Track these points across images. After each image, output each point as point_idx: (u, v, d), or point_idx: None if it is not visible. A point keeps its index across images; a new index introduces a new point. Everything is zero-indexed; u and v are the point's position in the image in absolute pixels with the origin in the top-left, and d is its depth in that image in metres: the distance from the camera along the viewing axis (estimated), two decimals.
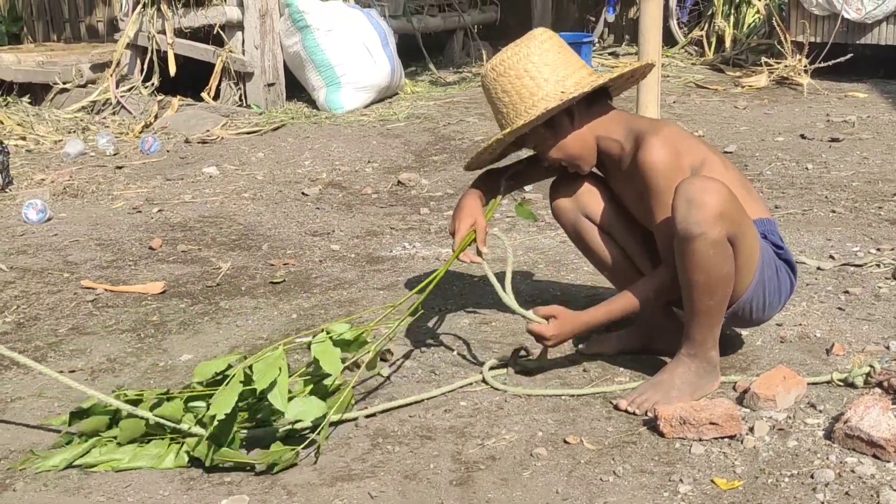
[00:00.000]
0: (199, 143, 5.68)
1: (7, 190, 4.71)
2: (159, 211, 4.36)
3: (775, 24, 7.18)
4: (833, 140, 5.09)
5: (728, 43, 8.05)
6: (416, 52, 7.91)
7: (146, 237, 3.96)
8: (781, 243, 2.49)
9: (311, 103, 6.62)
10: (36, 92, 6.93)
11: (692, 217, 2.20)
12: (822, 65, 6.75)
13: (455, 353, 2.73)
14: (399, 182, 4.71)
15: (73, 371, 2.69)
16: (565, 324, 2.45)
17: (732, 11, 8.18)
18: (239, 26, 6.57)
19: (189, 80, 6.79)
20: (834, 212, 3.86)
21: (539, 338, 2.46)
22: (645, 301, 2.45)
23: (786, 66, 6.92)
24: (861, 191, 4.14)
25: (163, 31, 6.75)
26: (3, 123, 6.06)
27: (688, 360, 2.37)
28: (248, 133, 5.84)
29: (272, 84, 6.59)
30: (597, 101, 2.50)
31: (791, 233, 3.60)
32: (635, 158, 2.40)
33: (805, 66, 6.83)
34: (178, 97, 6.61)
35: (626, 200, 2.56)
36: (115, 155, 5.50)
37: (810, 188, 4.22)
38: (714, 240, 2.21)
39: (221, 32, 6.64)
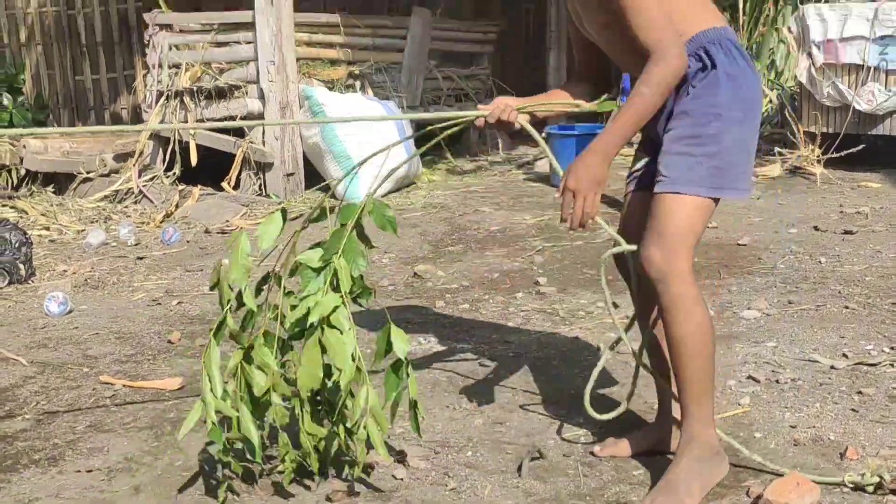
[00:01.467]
0: (218, 233, 5.77)
1: (30, 281, 4.79)
2: (178, 303, 4.41)
3: (787, 114, 7.27)
4: (846, 232, 5.12)
5: None
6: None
7: (165, 330, 4.01)
8: (736, 51, 2.42)
9: (330, 193, 6.70)
10: (60, 181, 7.07)
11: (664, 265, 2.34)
12: (835, 155, 6.82)
13: (469, 454, 2.75)
14: (415, 274, 4.76)
15: (91, 471, 2.71)
16: (577, 165, 2.37)
17: None
18: (260, 117, 6.71)
19: (210, 169, 6.93)
20: (847, 307, 3.87)
21: (567, 204, 2.37)
22: (646, 102, 2.31)
23: (799, 156, 6.99)
24: (874, 286, 4.16)
25: (185, 122, 6.90)
26: (27, 213, 6.18)
27: (687, 448, 2.37)
28: None
29: (291, 174, 6.71)
30: None
31: (805, 329, 3.61)
32: None
33: (818, 157, 6.90)
34: (199, 186, 6.74)
35: (593, 30, 2.54)
36: (136, 245, 5.59)
37: (824, 283, 4.24)
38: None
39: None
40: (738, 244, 5.02)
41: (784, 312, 3.85)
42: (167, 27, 7.09)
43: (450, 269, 4.84)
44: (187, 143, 6.88)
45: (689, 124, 2.39)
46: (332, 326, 2.44)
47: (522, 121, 2.59)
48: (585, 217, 2.38)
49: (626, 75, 8.85)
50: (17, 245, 4.83)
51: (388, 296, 4.45)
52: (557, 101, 2.68)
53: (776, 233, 5.26)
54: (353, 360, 2.42)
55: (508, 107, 2.57)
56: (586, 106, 2.65)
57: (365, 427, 2.41)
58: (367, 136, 6.55)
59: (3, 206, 6.44)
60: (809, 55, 6.95)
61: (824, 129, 7.02)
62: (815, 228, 5.28)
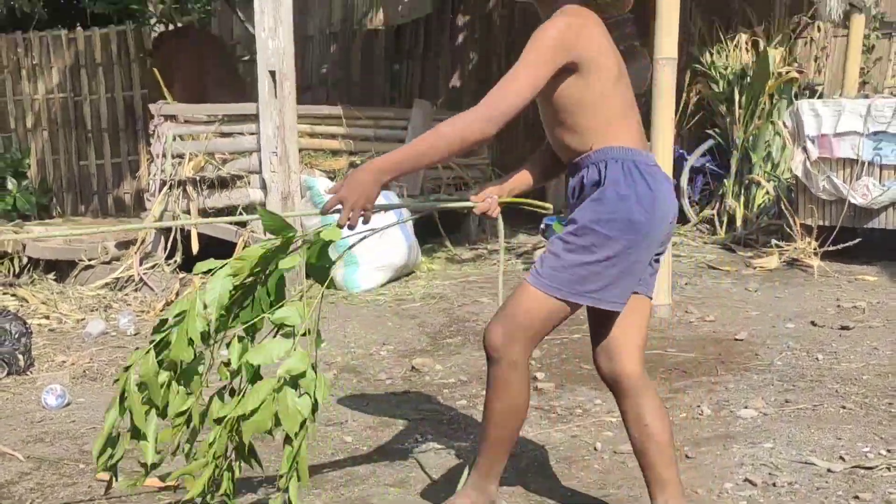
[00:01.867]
0: None
1: (29, 372, 4.80)
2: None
3: (783, 207, 7.34)
4: (843, 328, 5.14)
5: (739, 223, 8.22)
6: (432, 228, 8.10)
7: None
8: (638, 173, 2.53)
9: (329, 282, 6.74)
10: (62, 268, 7.12)
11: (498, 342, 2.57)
12: (832, 248, 6.87)
13: None
14: (413, 367, 4.77)
15: None
16: (352, 178, 2.47)
17: (742, 192, 8.40)
18: (262, 207, 6.78)
19: (211, 257, 6.96)
20: (844, 408, 3.88)
21: (338, 207, 2.48)
22: (439, 139, 2.43)
23: (796, 249, 7.04)
24: (872, 385, 4.17)
25: (187, 211, 6.97)
26: (28, 301, 6.21)
27: (470, 491, 2.75)
28: None
29: None
30: None
31: (802, 430, 3.61)
32: None
33: (815, 249, 6.96)
34: (200, 275, 6.76)
35: None
36: (135, 335, 5.60)
37: (821, 381, 4.25)
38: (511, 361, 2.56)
39: (244, 213, 6.85)
40: (736, 339, 5.04)
41: (781, 412, 3.85)
42: (172, 118, 7.21)
43: (448, 363, 4.85)
44: (189, 231, 6.95)
45: (572, 230, 2.54)
46: (293, 387, 2.49)
47: (499, 219, 2.84)
48: (352, 222, 2.49)
49: None
50: (16, 336, 4.85)
51: (386, 390, 4.45)
52: (522, 185, 2.87)
53: (773, 327, 5.28)
54: (305, 427, 2.48)
55: (493, 201, 2.75)
56: (549, 207, 2.88)
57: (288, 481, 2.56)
58: (367, 225, 6.59)
59: (4, 293, 6.47)
60: (804, 149, 7.05)
61: (821, 222, 7.08)
62: (813, 323, 5.30)
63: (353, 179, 2.47)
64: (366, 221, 2.52)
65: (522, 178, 2.87)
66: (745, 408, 3.91)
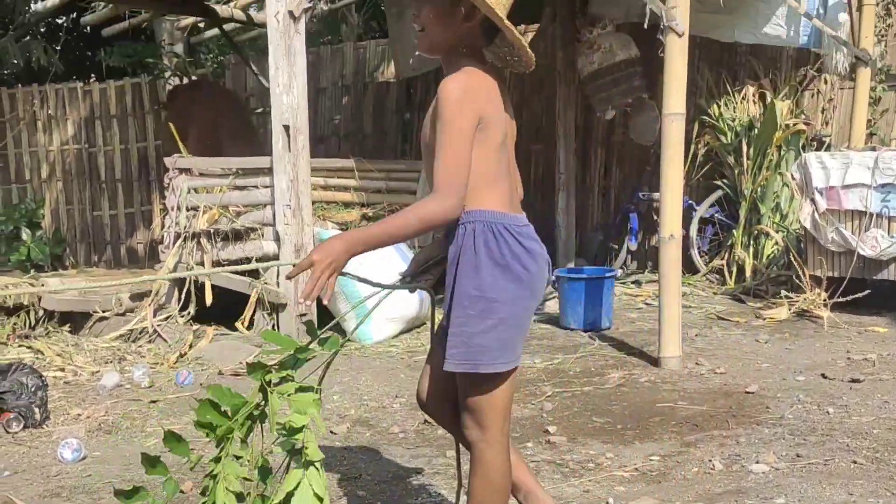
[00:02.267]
0: (231, 374, 5.83)
1: (44, 425, 4.84)
2: (192, 450, 4.43)
3: (792, 258, 7.38)
4: (854, 381, 5.16)
5: (748, 273, 8.26)
6: (443, 278, 8.14)
7: (178, 479, 4.02)
8: (509, 235, 2.61)
9: (341, 333, 6.79)
10: (76, 319, 7.18)
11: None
12: (841, 299, 6.90)
13: None
14: (426, 421, 4.79)
15: None
16: (325, 245, 2.50)
17: (752, 242, 8.44)
18: (274, 259, 6.85)
19: (224, 308, 7.03)
20: (855, 462, 3.89)
21: (304, 263, 2.48)
22: (407, 223, 2.51)
23: (805, 300, 7.07)
24: (883, 439, 4.18)
25: (201, 263, 7.04)
26: (43, 354, 6.27)
27: None
28: None
29: (304, 315, 6.80)
30: (488, 39, 2.72)
31: (813, 485, 3.63)
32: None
33: (824, 300, 6.98)
34: (213, 326, 6.84)
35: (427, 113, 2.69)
36: (149, 387, 5.65)
37: (832, 435, 4.27)
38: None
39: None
40: (747, 392, 5.06)
41: (793, 467, 3.87)
42: (187, 171, 7.31)
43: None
44: (202, 283, 7.01)
45: (464, 302, 2.59)
46: None
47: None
48: (316, 291, 2.47)
49: (634, 216, 9.03)
50: (33, 389, 4.90)
51: (399, 444, 4.48)
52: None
53: (784, 380, 5.30)
54: None
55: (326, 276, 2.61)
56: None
57: None
58: (377, 277, 6.65)
59: (20, 346, 6.53)
60: (812, 201, 7.11)
61: (830, 273, 7.12)
62: (823, 376, 5.32)
63: (327, 246, 2.50)
64: (326, 289, 2.52)
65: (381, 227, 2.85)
66: (757, 462, 3.92)
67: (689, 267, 8.41)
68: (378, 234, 2.53)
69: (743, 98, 8.90)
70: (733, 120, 8.79)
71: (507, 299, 2.57)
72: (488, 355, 2.58)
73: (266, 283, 6.85)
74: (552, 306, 7.61)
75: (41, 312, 7.11)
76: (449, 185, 2.50)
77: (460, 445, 2.98)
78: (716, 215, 8.91)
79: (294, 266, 2.58)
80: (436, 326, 2.85)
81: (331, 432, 4.66)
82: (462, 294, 2.59)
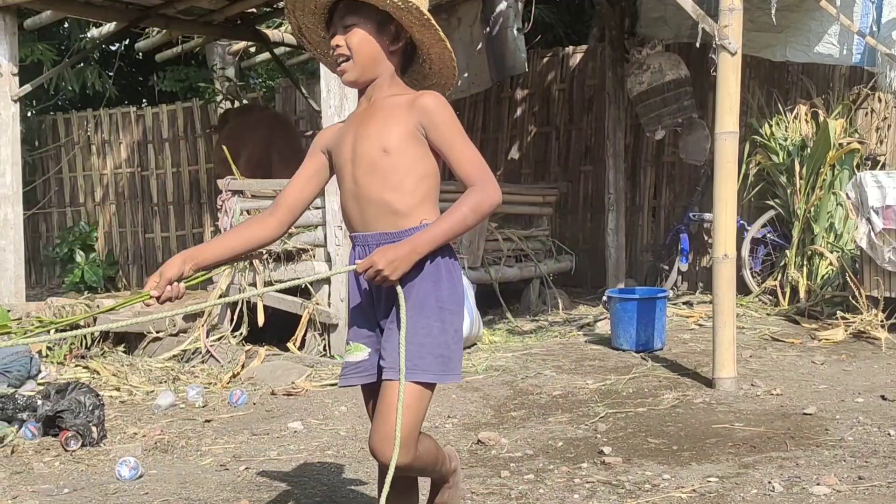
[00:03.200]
0: (284, 395, 5.86)
1: (101, 444, 4.89)
2: (246, 469, 4.47)
3: (848, 278, 7.28)
4: None
5: (802, 294, 8.15)
6: (493, 299, 8.15)
7: (233, 497, 4.06)
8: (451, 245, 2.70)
9: None
10: (130, 340, 7.27)
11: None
12: None
13: None
14: (479, 441, 4.78)
15: None
16: (387, 247, 2.55)
17: (805, 262, 8.34)
18: (325, 280, 6.89)
19: (276, 329, 7.08)
20: None
21: (371, 273, 2.54)
22: (465, 218, 2.57)
23: (862, 320, 6.96)
24: None
25: (253, 284, 7.10)
26: (99, 374, 6.34)
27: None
28: (332, 385, 6.01)
29: None
30: (414, 60, 2.79)
31: None
32: (412, 98, 2.65)
33: (881, 321, 6.87)
34: (265, 346, 6.88)
35: (370, 128, 2.68)
36: (203, 407, 5.69)
37: (893, 457, 4.19)
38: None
39: (309, 286, 6.97)
40: (804, 413, 4.98)
41: (855, 489, 3.80)
42: (239, 193, 7.39)
43: (513, 436, 4.85)
44: (255, 304, 7.07)
45: (425, 314, 2.63)
46: None
47: (192, 283, 2.74)
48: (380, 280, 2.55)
49: (685, 237, 8.96)
50: (90, 408, 4.96)
51: None
52: (223, 253, 2.77)
53: (842, 401, 5.22)
54: None
55: (173, 287, 2.64)
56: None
57: None
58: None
59: (77, 366, 6.62)
60: (868, 220, 7.01)
61: (887, 294, 7.01)
62: (883, 398, 5.23)
63: (393, 253, 2.54)
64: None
65: (214, 250, 2.78)
66: (818, 484, 3.86)
67: (741, 288, 8.31)
68: (439, 234, 2.58)
69: (795, 117, 8.81)
70: (785, 139, 8.70)
71: (459, 310, 2.66)
72: (451, 365, 2.64)
73: (318, 304, 6.88)
74: (603, 327, 7.56)
75: (97, 333, 7.20)
76: (488, 175, 2.62)
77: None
78: (768, 235, 8.82)
79: (357, 265, 2.61)
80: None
81: None
82: (426, 304, 2.62)
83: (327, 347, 6.88)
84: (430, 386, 2.64)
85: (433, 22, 2.63)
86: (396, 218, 2.64)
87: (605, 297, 7.83)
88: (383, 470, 2.65)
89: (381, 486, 2.67)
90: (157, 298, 2.61)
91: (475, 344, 7.20)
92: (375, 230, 2.67)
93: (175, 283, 2.63)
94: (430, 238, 2.57)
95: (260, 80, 14.01)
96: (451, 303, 2.64)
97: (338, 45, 2.67)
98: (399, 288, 2.60)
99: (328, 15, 2.75)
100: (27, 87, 8.50)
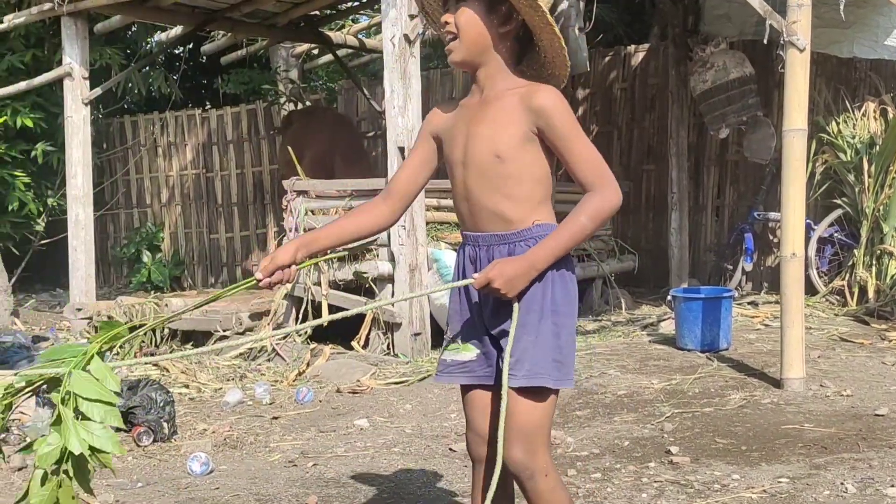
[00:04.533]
0: (349, 392, 5.91)
1: (172, 440, 4.98)
2: (314, 465, 4.52)
3: None
4: None
5: (871, 294, 8.01)
6: None
7: (302, 493, 4.11)
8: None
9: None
10: (198, 338, 7.39)
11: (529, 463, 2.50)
12: None
13: None
14: None
15: None
16: (505, 263, 2.49)
17: (874, 262, 8.19)
18: (389, 279, 6.94)
19: (340, 327, 7.13)
20: None
21: (486, 287, 2.48)
22: (583, 227, 2.48)
23: None
24: None
25: (318, 283, 7.17)
26: (168, 371, 6.46)
27: None
28: (396, 384, 6.05)
29: (418, 334, 6.86)
30: (526, 51, 2.64)
31: None
32: (527, 95, 2.53)
33: None
34: (330, 345, 6.94)
35: (482, 127, 2.59)
36: (270, 404, 5.76)
37: None
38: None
39: (373, 285, 7.02)
40: (876, 414, 4.91)
41: None
42: (304, 193, 7.46)
43: (579, 435, 4.85)
44: (319, 302, 7.14)
45: (546, 317, 2.54)
46: None
47: (303, 268, 2.69)
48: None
49: (750, 236, 8.86)
50: (161, 404, 5.05)
51: None
52: (335, 238, 2.74)
53: None
54: None
55: (284, 272, 2.62)
56: (341, 253, 2.79)
57: None
58: None
59: (147, 363, 6.74)
60: None
61: None
62: None
63: (510, 269, 2.48)
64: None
65: (338, 229, 2.77)
66: (892, 486, 3.80)
67: (807, 288, 8.14)
68: (558, 247, 2.50)
69: (863, 114, 8.66)
70: (853, 137, 8.56)
71: (571, 313, 2.58)
72: (565, 370, 2.55)
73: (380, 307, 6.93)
74: (667, 327, 7.50)
75: (165, 331, 7.33)
76: (607, 177, 2.51)
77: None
78: (835, 235, 8.68)
79: (474, 280, 2.53)
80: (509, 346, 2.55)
81: (450, 449, 4.68)
82: (537, 308, 2.53)
83: (391, 346, 6.92)
84: (550, 391, 2.55)
85: (540, 3, 2.50)
86: (509, 224, 2.57)
87: (669, 297, 7.78)
88: (492, 474, 2.51)
89: (487, 484, 2.57)
90: (261, 282, 2.64)
91: None
92: (487, 231, 2.60)
93: (286, 269, 2.63)
94: (548, 252, 2.49)
95: (320, 81, 14.14)
96: (563, 304, 2.56)
97: (446, 23, 2.58)
98: (516, 305, 2.52)
99: None
100: (97, 91, 8.68)
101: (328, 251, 2.78)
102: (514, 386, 2.48)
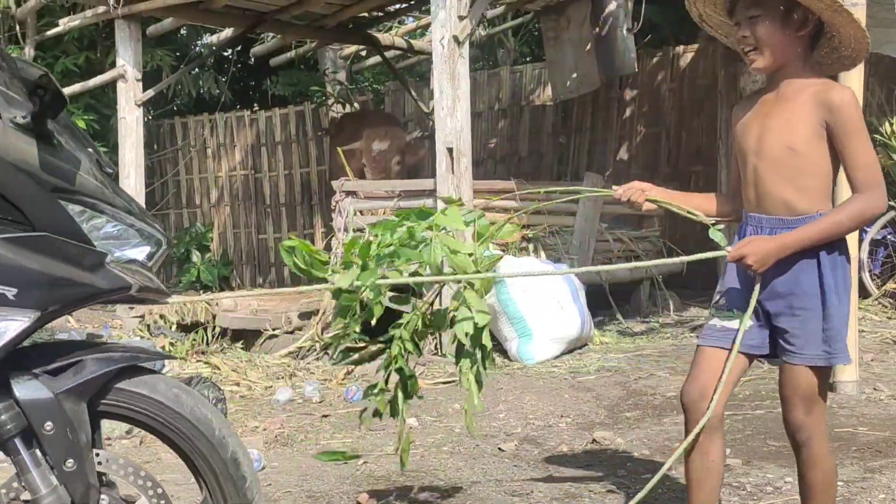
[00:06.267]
0: None
1: None
2: (364, 463, 4.56)
3: None
4: None
5: None
6: (603, 300, 8.11)
7: (353, 490, 4.14)
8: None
9: (503, 353, 6.84)
10: (248, 336, 7.47)
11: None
12: None
13: None
14: (594, 440, 4.77)
15: None
16: (760, 240, 2.73)
17: None
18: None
19: (388, 326, 7.16)
20: None
21: (738, 260, 2.74)
22: (840, 225, 2.68)
23: None
24: None
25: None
26: (220, 369, 6.54)
27: None
28: (444, 383, 6.07)
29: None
30: (817, 39, 2.81)
31: None
32: (820, 92, 2.71)
33: None
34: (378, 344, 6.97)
35: (776, 121, 2.78)
36: (320, 402, 5.81)
37: None
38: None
39: (422, 287, 7.03)
40: None
41: None
42: (353, 193, 7.52)
43: (629, 436, 4.83)
44: (366, 304, 7.17)
45: (832, 297, 2.76)
46: None
47: (648, 205, 3.02)
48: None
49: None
50: (213, 401, 5.11)
51: (568, 462, 4.47)
52: (682, 205, 3.04)
53: None
54: None
55: (641, 191, 3.01)
56: (701, 217, 3.02)
57: None
58: (539, 297, 6.69)
59: (199, 361, 6.83)
60: None
61: None
62: None
63: (761, 248, 2.71)
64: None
65: (684, 198, 3.12)
66: None
67: (860, 291, 8.06)
68: (811, 236, 2.70)
69: None
70: None
71: (848, 297, 2.79)
72: (837, 346, 2.76)
73: (429, 304, 6.94)
74: None
75: (217, 330, 7.42)
76: (878, 183, 2.68)
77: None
78: (888, 237, 8.57)
79: (728, 252, 2.77)
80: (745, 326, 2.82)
81: (499, 449, 4.69)
82: (828, 289, 2.73)
83: (438, 346, 6.94)
84: (822, 370, 2.81)
85: (844, 7, 2.67)
86: (793, 211, 2.76)
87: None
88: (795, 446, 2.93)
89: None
90: (616, 192, 3.05)
91: (586, 344, 7.18)
92: (772, 215, 2.80)
93: (641, 192, 3.00)
94: (800, 238, 2.70)
95: (366, 83, 14.22)
96: (847, 285, 2.77)
97: (744, 36, 2.75)
98: (757, 285, 2.76)
99: (729, 3, 2.84)
100: (150, 93, 8.80)
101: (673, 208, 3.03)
102: (801, 364, 2.79)
